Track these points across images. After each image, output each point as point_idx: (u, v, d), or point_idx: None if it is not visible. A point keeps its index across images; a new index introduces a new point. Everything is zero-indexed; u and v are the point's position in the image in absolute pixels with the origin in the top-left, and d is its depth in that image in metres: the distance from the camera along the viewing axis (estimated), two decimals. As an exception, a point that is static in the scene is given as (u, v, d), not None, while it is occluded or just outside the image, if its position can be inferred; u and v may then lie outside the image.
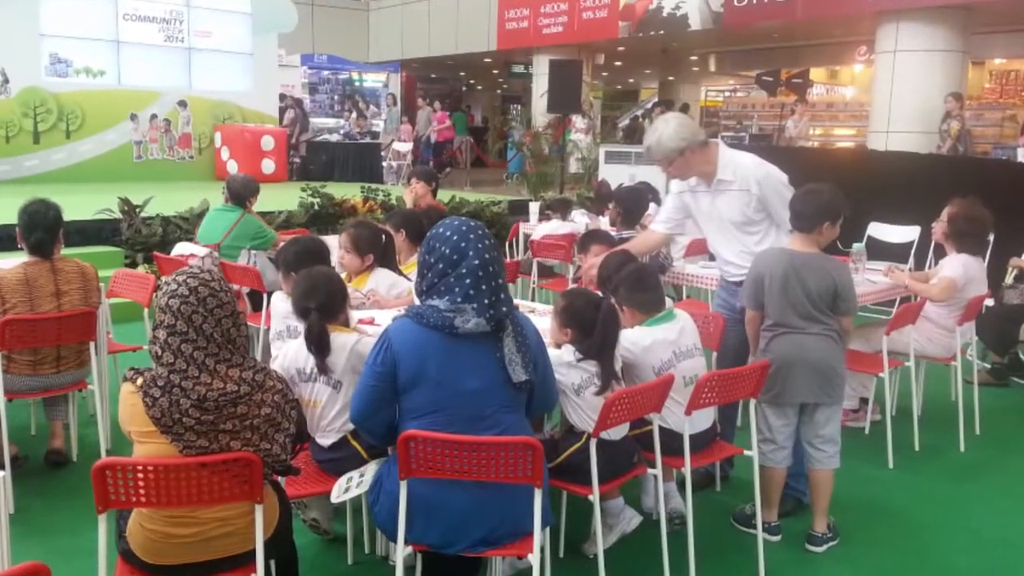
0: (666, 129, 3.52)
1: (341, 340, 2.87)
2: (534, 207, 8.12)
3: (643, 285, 3.27)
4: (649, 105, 20.88)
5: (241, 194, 5.54)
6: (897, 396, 4.90)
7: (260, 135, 13.81)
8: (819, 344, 3.25)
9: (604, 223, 6.79)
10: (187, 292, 2.18)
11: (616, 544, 3.14)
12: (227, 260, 5.14)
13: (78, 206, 7.83)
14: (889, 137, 11.98)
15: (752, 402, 3.22)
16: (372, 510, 2.61)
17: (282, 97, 15.74)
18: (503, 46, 18.68)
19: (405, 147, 16.90)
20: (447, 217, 2.62)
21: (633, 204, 5.80)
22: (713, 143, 3.60)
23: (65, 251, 3.96)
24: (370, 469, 2.68)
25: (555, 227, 6.89)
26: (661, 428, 3.03)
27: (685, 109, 17.10)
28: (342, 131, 16.96)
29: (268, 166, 13.73)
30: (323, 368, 2.85)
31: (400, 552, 2.39)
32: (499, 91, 29.35)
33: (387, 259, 3.93)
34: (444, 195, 9.32)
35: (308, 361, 2.88)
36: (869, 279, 4.49)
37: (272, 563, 2.42)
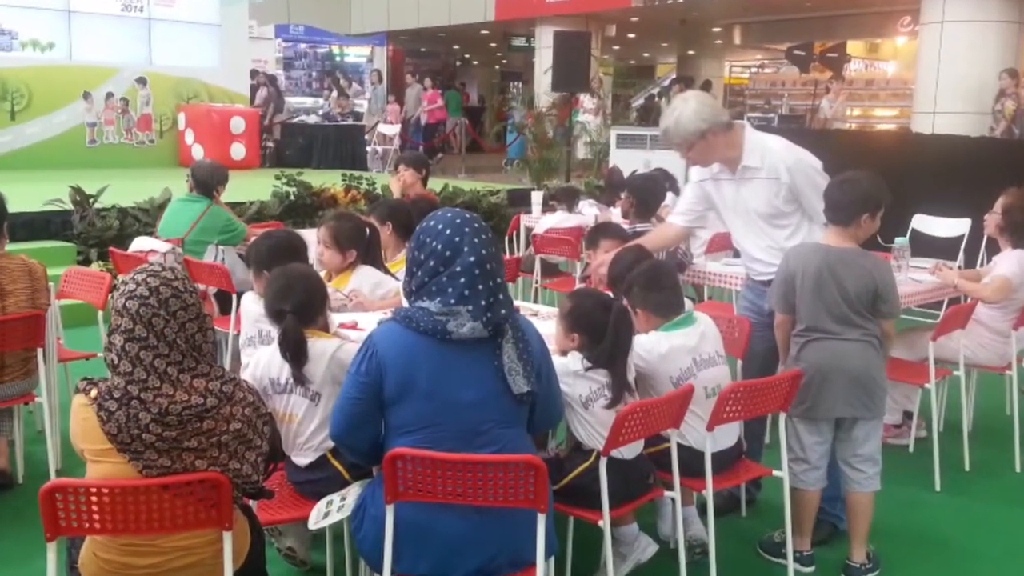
0: (685, 109, 3.52)
1: (320, 347, 2.87)
2: (537, 197, 8.13)
3: (659, 285, 3.27)
4: (666, 82, 20.88)
5: (208, 182, 5.54)
6: (945, 409, 4.90)
7: (229, 116, 13.80)
8: (857, 351, 3.26)
9: (615, 215, 6.79)
10: (147, 293, 2.18)
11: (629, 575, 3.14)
12: (192, 256, 5.14)
13: (24, 196, 7.83)
14: (936, 118, 11.98)
15: (782, 416, 3.22)
16: (355, 537, 2.61)
17: (253, 74, 15.73)
18: (502, 16, 18.67)
19: (392, 130, 16.91)
20: (439, 208, 2.62)
21: (648, 194, 5.81)
22: (738, 125, 3.61)
23: (10, 246, 3.96)
24: (352, 492, 2.68)
25: (560, 219, 6.89)
26: (680, 445, 3.03)
27: (707, 87, 17.11)
28: (321, 112, 16.96)
29: (238, 151, 13.72)
30: (299, 378, 2.85)
31: (386, 585, 2.39)
32: (498, 67, 29.36)
33: (371, 255, 3.94)
34: (436, 184, 9.32)
35: (283, 370, 2.88)
36: (913, 278, 4.49)
37: (242, 597, 2.42)
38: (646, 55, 27.09)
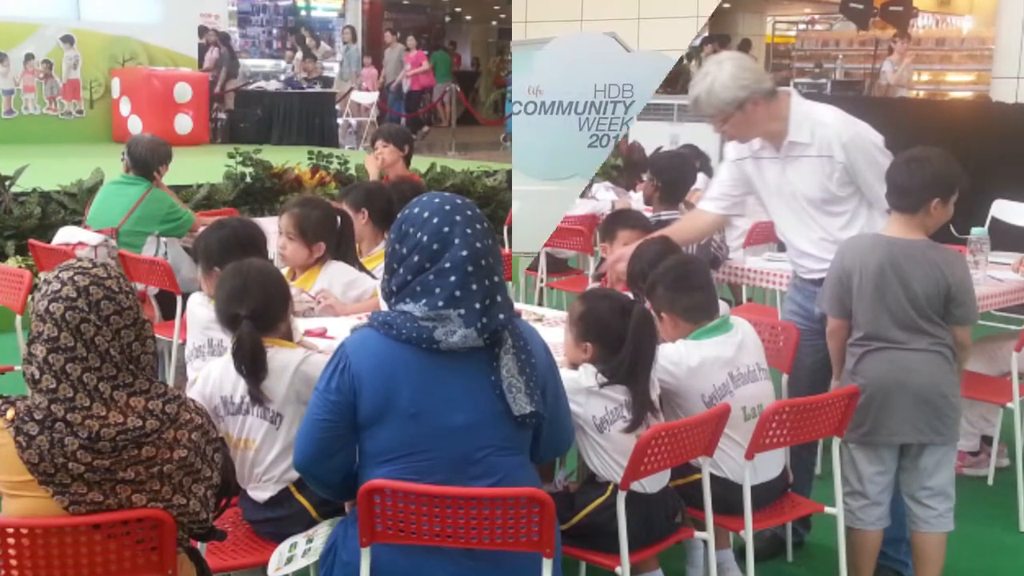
0: (720, 74, 3.53)
1: (281, 359, 2.88)
2: (542, 179, 8.12)
3: (689, 284, 3.28)
4: (697, 42, 20.87)
5: (147, 162, 5.55)
6: (1031, 434, 4.90)
7: (172, 82, 13.81)
8: (926, 364, 3.26)
9: (636, 200, 6.79)
10: (74, 294, 2.17)
11: (653, 633, 3.14)
12: (128, 250, 5.15)
13: (-73, 178, 7.82)
14: (1021, 84, 11.98)
15: (836, 442, 3.23)
16: (323, 587, 2.61)
17: (202, 31, 15.74)
18: (500, -38, 18.67)
19: (368, 98, 16.91)
20: (424, 193, 2.62)
21: (675, 175, 5.79)
22: (783, 93, 3.61)
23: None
24: (321, 532, 2.69)
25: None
26: (713, 477, 3.04)
27: (745, 47, 17.10)
28: (283, 77, 16.98)
29: (183, 124, 13.73)
30: (257, 396, 2.86)
31: (361, 644, 2.39)
32: (495, 23, 29.36)
33: (343, 249, 3.94)
34: (421, 163, 9.33)
35: (237, 387, 2.88)
36: (994, 276, 4.49)
37: (189, 659, 2.42)
38: (673, 9, 27.06)
